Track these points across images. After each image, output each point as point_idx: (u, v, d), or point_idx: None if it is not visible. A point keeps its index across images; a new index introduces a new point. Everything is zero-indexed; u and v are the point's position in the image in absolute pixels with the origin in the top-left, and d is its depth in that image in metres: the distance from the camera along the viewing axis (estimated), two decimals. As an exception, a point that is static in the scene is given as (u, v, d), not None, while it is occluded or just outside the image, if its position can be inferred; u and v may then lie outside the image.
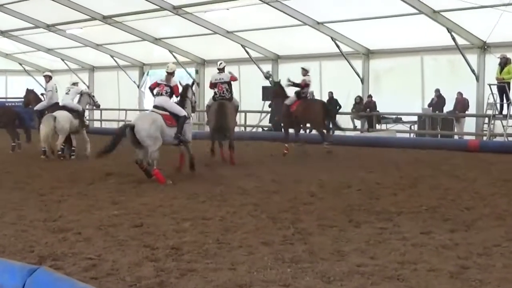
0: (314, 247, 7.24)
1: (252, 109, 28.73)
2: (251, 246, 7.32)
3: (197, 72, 32.41)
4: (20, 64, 40.02)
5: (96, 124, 34.34)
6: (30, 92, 20.28)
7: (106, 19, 29.39)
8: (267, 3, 23.96)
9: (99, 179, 13.30)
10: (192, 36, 29.51)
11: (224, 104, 16.79)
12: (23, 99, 20.15)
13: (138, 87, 34.91)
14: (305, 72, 19.19)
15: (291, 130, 19.66)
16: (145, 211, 9.51)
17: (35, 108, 18.92)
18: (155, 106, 14.00)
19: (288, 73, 28.71)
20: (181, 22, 27.61)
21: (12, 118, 19.98)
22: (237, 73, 30.01)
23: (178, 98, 14.50)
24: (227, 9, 25.29)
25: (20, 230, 8.17)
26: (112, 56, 34.61)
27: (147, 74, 35.40)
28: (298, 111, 18.65)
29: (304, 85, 18.92)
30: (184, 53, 31.87)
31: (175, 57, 31.75)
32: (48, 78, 19.29)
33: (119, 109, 33.92)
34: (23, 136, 19.83)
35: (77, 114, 18.10)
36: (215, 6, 25.49)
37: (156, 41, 31.32)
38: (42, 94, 19.98)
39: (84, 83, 36.51)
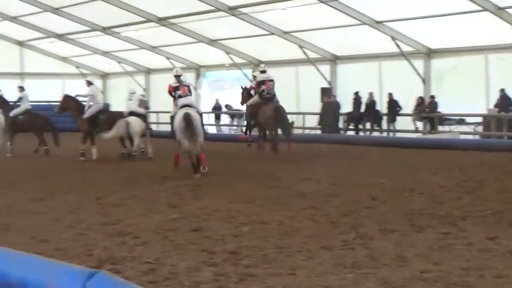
0: (376, 252, 7.19)
1: (310, 111, 28.66)
2: (311, 250, 7.31)
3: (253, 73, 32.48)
4: (77, 67, 40.70)
5: (152, 127, 34.66)
6: (69, 98, 20.40)
7: (161, 21, 29.71)
8: (324, 3, 23.89)
9: (156, 183, 13.47)
10: (248, 37, 29.59)
11: (281, 109, 18.69)
12: (59, 104, 20.33)
13: (194, 89, 35.15)
14: (262, 71, 20.30)
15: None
16: (202, 215, 9.57)
17: (85, 116, 19.34)
18: (185, 105, 15.33)
19: (347, 74, 28.83)
20: (237, 22, 27.73)
21: (42, 123, 20.78)
22: (294, 74, 30.22)
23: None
24: (284, 9, 25.29)
25: (78, 234, 8.33)
26: (167, 58, 34.93)
27: (204, 76, 35.67)
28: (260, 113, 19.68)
29: (257, 86, 19.63)
30: (241, 54, 31.97)
31: (231, 58, 31.91)
32: (89, 83, 19.94)
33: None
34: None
35: (144, 118, 19.35)
36: (271, 6, 25.52)
37: (212, 42, 31.50)
38: (76, 96, 20.59)
39: (140, 85, 36.95)
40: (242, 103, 21.75)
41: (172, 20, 29.53)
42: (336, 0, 23.74)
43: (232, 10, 26.63)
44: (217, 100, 36.78)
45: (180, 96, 15.70)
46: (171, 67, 34.75)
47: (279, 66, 30.97)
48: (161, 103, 29.59)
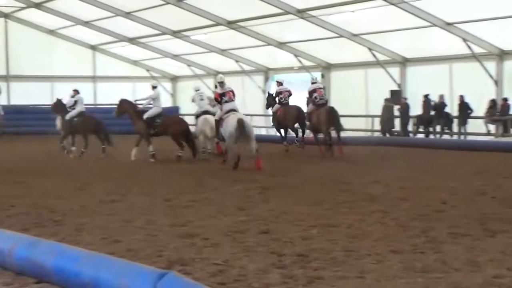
0: (446, 257, 7.09)
1: (380, 114, 28.42)
2: (380, 254, 7.25)
3: (323, 76, 32.39)
4: (147, 71, 41.31)
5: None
6: (125, 102, 20.90)
7: (230, 24, 29.91)
8: (394, 5, 23.68)
9: (225, 185, 13.54)
10: (317, 40, 29.53)
11: (335, 109, 20.04)
12: (115, 108, 21.06)
13: (263, 92, 35.25)
14: (279, 84, 23.07)
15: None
16: (271, 218, 9.58)
17: (145, 117, 19.80)
18: (231, 110, 16.96)
19: (416, 76, 28.50)
20: (305, 25, 27.70)
21: (90, 126, 21.35)
22: (363, 77, 30.06)
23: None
24: (353, 11, 25.15)
25: (149, 235, 8.43)
26: (236, 61, 35.16)
27: (272, 79, 35.71)
28: (281, 116, 22.21)
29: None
30: (309, 57, 31.94)
31: (300, 61, 31.91)
32: (153, 87, 20.47)
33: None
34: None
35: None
36: (340, 8, 25.40)
37: (281, 45, 31.55)
38: (136, 101, 21.26)
39: (209, 88, 37.25)
40: (267, 107, 23.92)
41: (241, 23, 29.70)
42: (406, 2, 23.50)
43: (301, 13, 26.63)
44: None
45: (226, 102, 17.10)
46: (240, 70, 35.12)
47: (348, 69, 30.89)
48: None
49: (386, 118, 27.72)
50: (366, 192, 12.13)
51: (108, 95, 37.56)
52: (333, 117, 19.64)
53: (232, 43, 32.99)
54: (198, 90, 20.43)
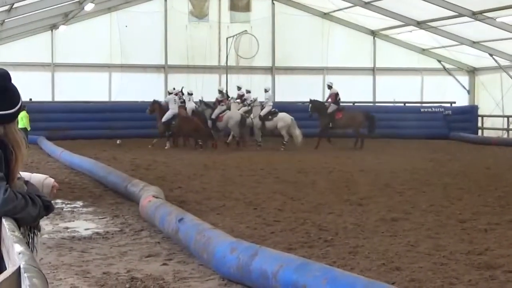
0: None
1: None
2: None
3: None
4: (439, 61, 40.92)
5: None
6: (156, 103, 29.19)
7: (550, 1, 28.80)
8: None
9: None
10: None
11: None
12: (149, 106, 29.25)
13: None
14: (330, 87, 30.52)
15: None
16: None
17: (163, 120, 28.37)
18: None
19: None
20: None
21: (190, 127, 27.29)
22: None
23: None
24: None
25: (437, 263, 8.45)
26: (555, 50, 33.81)
27: None
28: (343, 119, 29.50)
29: (332, 97, 30.20)
30: None
31: None
32: (169, 93, 29.54)
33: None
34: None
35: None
36: None
37: None
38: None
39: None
40: (312, 112, 30.02)
41: None
42: None
43: None
44: None
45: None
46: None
47: None
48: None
49: None
50: None
51: (389, 91, 37.88)
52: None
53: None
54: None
